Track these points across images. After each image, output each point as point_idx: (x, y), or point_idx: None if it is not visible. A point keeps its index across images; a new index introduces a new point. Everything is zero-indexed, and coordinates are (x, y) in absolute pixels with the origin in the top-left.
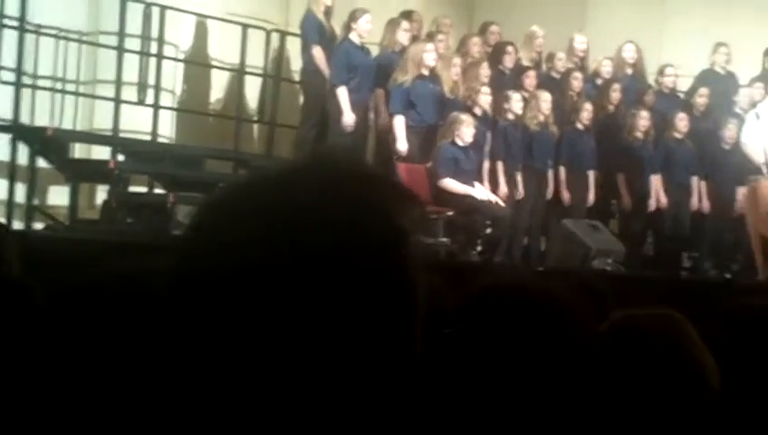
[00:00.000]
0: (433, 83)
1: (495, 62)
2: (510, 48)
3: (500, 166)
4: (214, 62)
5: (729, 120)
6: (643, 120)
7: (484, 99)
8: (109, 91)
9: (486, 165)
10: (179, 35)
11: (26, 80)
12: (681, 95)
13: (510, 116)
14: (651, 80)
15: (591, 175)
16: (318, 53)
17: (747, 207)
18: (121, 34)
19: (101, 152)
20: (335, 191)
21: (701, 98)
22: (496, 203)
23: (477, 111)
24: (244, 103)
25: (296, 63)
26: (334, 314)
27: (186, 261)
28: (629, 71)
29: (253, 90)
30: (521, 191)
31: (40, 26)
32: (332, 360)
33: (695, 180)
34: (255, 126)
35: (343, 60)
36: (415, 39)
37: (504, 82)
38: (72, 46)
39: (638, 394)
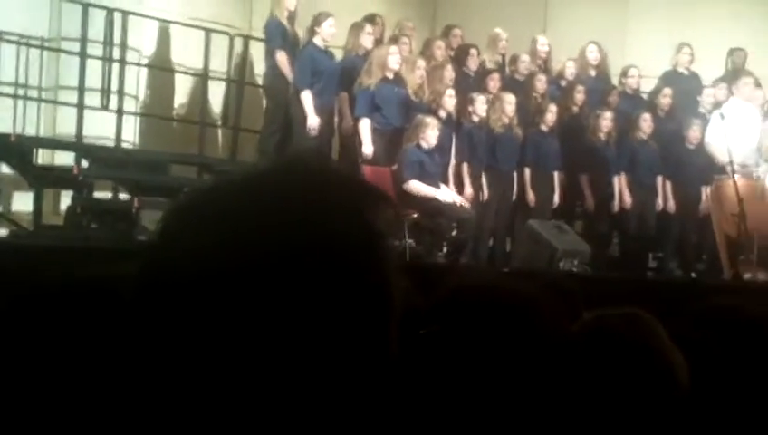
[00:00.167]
0: (398, 86)
1: (459, 65)
2: (473, 50)
3: (465, 168)
4: (177, 67)
5: (693, 121)
6: (606, 120)
7: (449, 101)
8: (72, 96)
9: (452, 167)
10: (142, 41)
11: None
12: (645, 96)
13: (474, 118)
14: (615, 81)
15: (556, 176)
16: (282, 57)
17: (712, 207)
18: (84, 40)
19: (65, 158)
20: (305, 193)
21: (665, 98)
22: (461, 205)
23: (442, 113)
24: (208, 108)
25: (260, 68)
26: (307, 316)
27: (151, 266)
28: (593, 72)
29: (216, 94)
30: (486, 193)
31: (2, 33)
32: (307, 362)
33: (659, 181)
34: (219, 130)
35: (307, 64)
36: (378, 42)
37: (467, 84)
38: (35, 52)
39: (609, 392)
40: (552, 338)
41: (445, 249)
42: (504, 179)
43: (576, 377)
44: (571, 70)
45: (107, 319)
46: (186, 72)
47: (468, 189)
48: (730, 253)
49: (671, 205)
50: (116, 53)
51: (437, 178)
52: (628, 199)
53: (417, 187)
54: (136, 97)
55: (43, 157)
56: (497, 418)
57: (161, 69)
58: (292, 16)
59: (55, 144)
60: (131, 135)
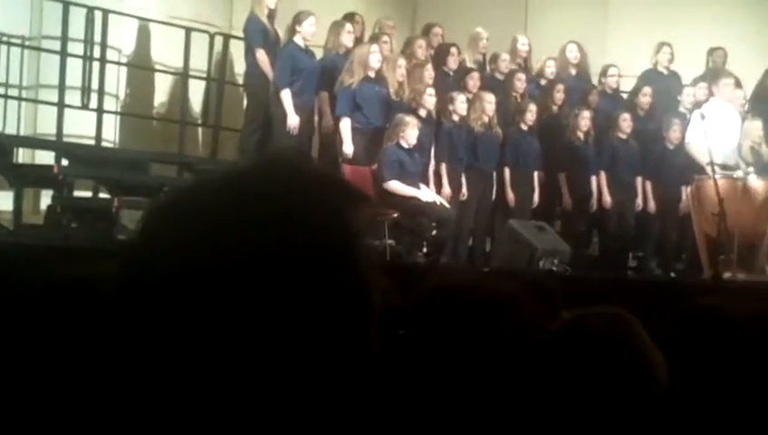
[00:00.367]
0: (379, 85)
1: (439, 64)
2: (454, 49)
3: (444, 167)
4: (157, 66)
5: (673, 121)
6: (584, 120)
7: (429, 100)
8: (52, 95)
9: (432, 166)
10: (122, 39)
11: None
12: (625, 96)
13: (454, 117)
14: (595, 80)
15: (536, 175)
16: (262, 56)
17: (692, 207)
18: (64, 39)
19: (45, 157)
20: (285, 191)
21: (644, 97)
22: (441, 204)
23: (422, 112)
24: (189, 107)
25: (240, 67)
26: (285, 315)
27: (131, 265)
28: (573, 71)
29: (197, 93)
30: (465, 192)
31: None
32: (286, 360)
33: (639, 181)
34: (200, 129)
35: (287, 63)
36: (358, 41)
37: (447, 83)
38: (15, 51)
39: (588, 391)
40: (530, 337)
41: (425, 249)
42: (483, 179)
43: (555, 376)
44: (551, 69)
45: (87, 318)
46: (166, 71)
47: (448, 189)
48: (710, 252)
49: (651, 205)
50: (96, 52)
51: (417, 178)
52: (607, 199)
53: (396, 186)
54: (116, 96)
55: (23, 156)
56: (477, 418)
57: (141, 68)
58: (272, 15)
59: (35, 143)
60: (112, 134)
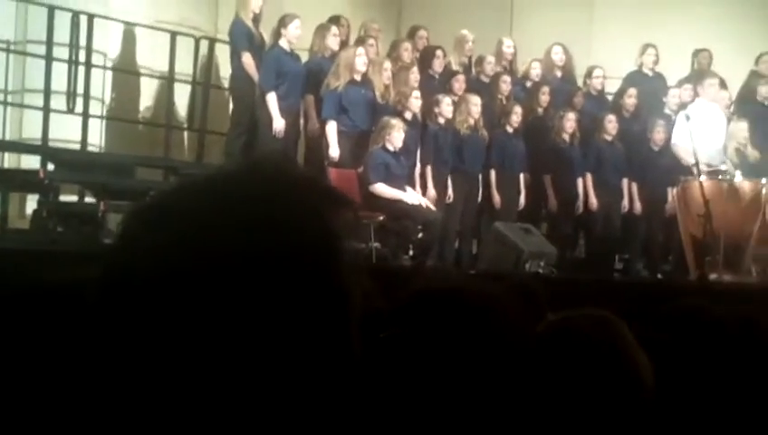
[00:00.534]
0: (365, 88)
1: (425, 67)
2: (439, 52)
3: (430, 170)
4: (143, 70)
5: (658, 122)
6: (570, 121)
7: (415, 103)
8: (37, 100)
9: (417, 169)
10: (108, 43)
11: None
12: (610, 97)
13: (440, 120)
14: (580, 82)
15: (522, 178)
16: (247, 59)
17: (678, 208)
18: (49, 43)
19: (31, 161)
20: (267, 194)
21: (630, 98)
22: (427, 207)
23: (408, 115)
24: (174, 111)
25: (225, 70)
26: (268, 318)
27: (114, 267)
28: (558, 73)
29: (182, 97)
30: (451, 195)
31: None
32: (267, 363)
33: (625, 182)
34: (185, 133)
35: (273, 66)
36: (344, 44)
37: (433, 86)
38: (0, 55)
39: (574, 393)
40: (515, 339)
41: (411, 252)
42: (469, 181)
43: (540, 378)
44: (536, 71)
45: (74, 323)
46: (151, 75)
47: (433, 191)
48: (696, 254)
49: (637, 207)
50: (82, 56)
51: (403, 181)
52: (593, 200)
53: (382, 189)
54: (102, 100)
55: (8, 160)
56: (461, 421)
57: (127, 72)
58: (257, 18)
59: (21, 147)
60: (97, 138)
